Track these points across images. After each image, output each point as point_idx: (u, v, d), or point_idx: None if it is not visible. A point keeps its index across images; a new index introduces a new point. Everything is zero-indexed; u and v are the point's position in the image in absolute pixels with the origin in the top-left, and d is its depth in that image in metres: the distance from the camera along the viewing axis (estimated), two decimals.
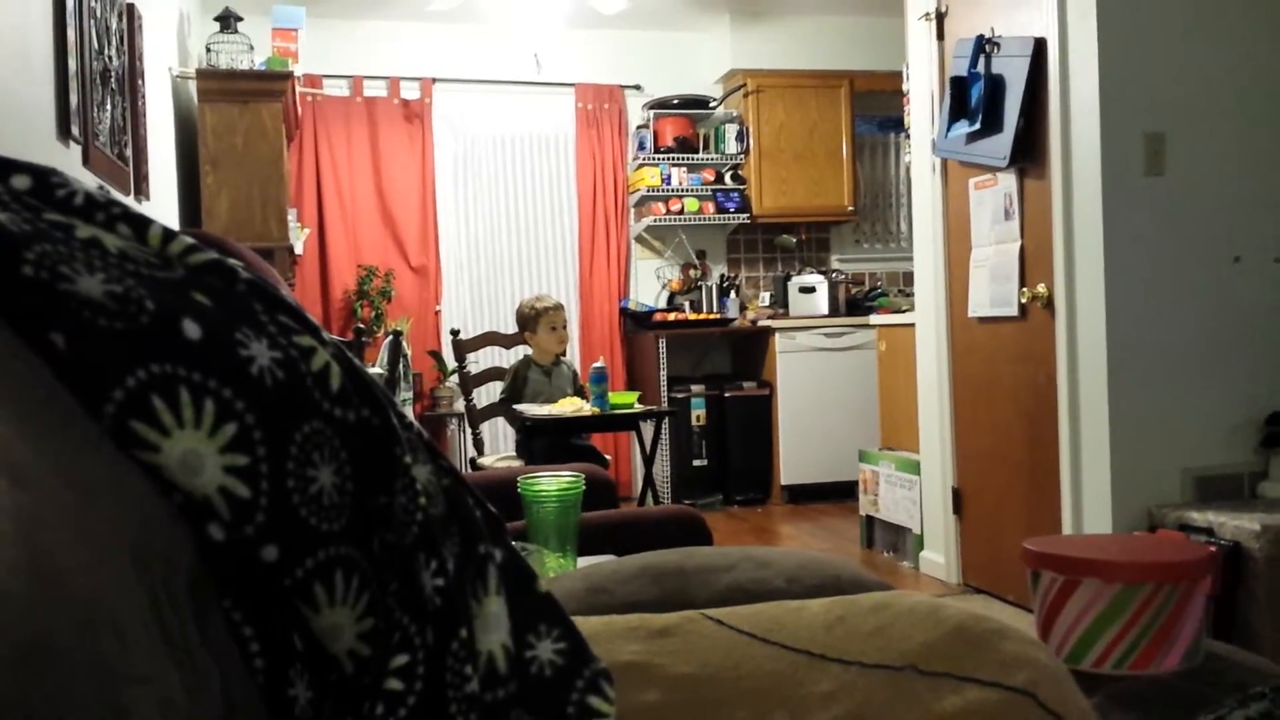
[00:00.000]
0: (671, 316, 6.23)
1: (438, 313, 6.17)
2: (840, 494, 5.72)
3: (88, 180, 0.65)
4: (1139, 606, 2.56)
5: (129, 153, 3.04)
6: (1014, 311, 3.69)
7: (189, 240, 0.65)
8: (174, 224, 3.50)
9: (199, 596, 0.56)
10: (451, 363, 5.31)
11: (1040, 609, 2.68)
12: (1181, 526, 3.11)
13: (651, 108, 6.40)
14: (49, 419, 0.51)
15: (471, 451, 4.68)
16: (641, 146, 6.39)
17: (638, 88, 6.50)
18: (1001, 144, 3.64)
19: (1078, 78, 3.36)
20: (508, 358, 4.87)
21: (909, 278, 5.54)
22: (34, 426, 0.49)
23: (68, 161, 2.33)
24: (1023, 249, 3.66)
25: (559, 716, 0.72)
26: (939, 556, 4.20)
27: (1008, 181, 3.71)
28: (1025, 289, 3.62)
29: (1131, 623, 2.57)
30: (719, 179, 6.41)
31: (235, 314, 0.62)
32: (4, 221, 0.55)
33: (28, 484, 0.45)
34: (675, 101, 6.39)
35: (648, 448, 4.40)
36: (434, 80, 6.18)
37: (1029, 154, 3.58)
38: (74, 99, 2.34)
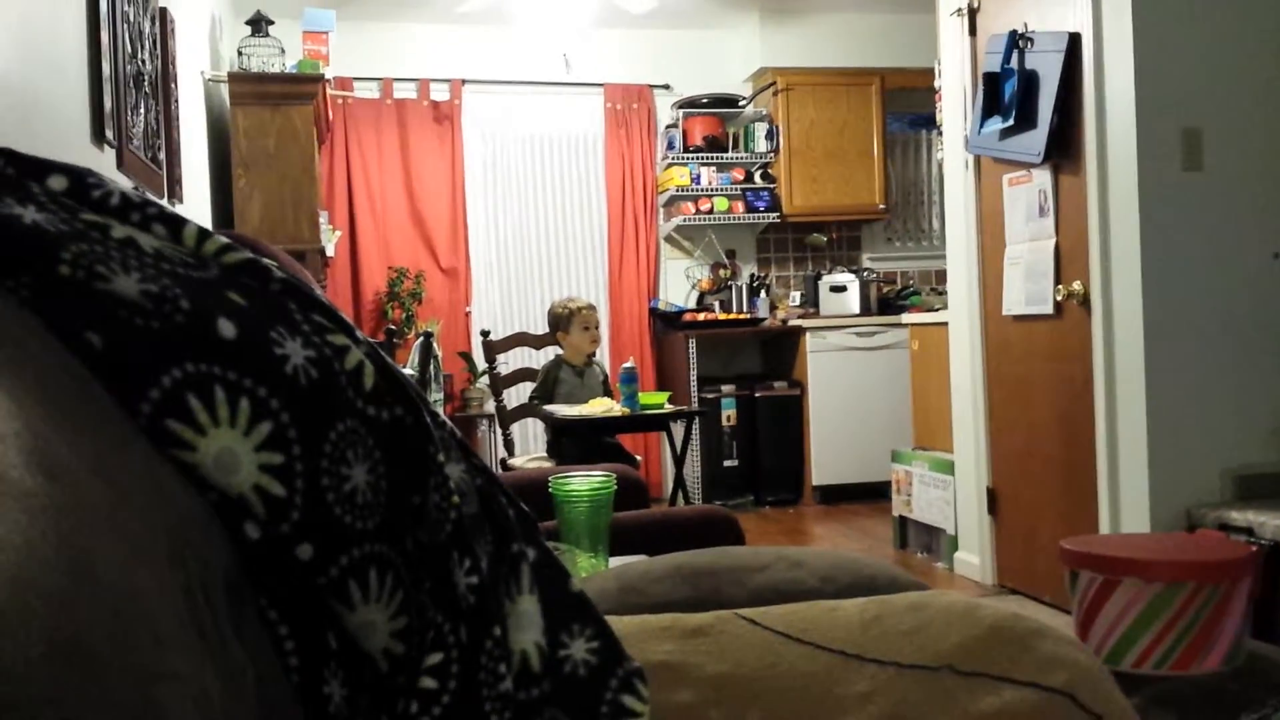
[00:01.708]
0: (701, 316, 6.22)
1: (468, 314, 6.19)
2: (873, 495, 5.68)
3: (122, 183, 0.66)
4: (1179, 606, 2.52)
5: (162, 156, 3.07)
6: (1049, 309, 3.65)
7: (224, 240, 0.65)
8: (207, 226, 3.52)
9: (234, 594, 0.56)
10: (482, 364, 5.32)
11: (1079, 609, 2.66)
12: (1221, 526, 3.07)
13: (680, 107, 6.39)
14: (85, 417, 0.52)
15: (502, 452, 4.69)
16: (670, 146, 6.39)
17: (666, 87, 6.49)
18: (1035, 140, 3.60)
19: (1113, 73, 3.32)
20: (538, 359, 4.87)
21: (941, 276, 5.50)
22: (70, 424, 0.49)
23: (102, 165, 2.35)
24: (1058, 246, 3.62)
25: (593, 716, 0.72)
26: (974, 557, 4.16)
27: (1042, 178, 3.68)
28: (1060, 286, 3.58)
29: (1172, 623, 2.54)
30: (749, 178, 6.40)
31: (270, 313, 0.63)
32: (41, 222, 0.55)
33: (64, 481, 0.45)
34: (704, 100, 6.38)
35: (678, 448, 4.40)
36: (463, 81, 6.21)
37: (1064, 150, 3.54)
38: (108, 102, 2.37)
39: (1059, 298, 3.59)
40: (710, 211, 6.30)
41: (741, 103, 6.45)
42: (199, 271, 0.62)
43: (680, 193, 6.28)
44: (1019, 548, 3.92)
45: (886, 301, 6.38)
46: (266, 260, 0.66)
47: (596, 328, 4.50)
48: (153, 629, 0.45)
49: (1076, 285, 3.50)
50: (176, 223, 0.64)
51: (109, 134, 2.38)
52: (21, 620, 0.37)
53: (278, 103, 4.20)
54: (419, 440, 0.66)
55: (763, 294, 6.45)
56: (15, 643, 0.37)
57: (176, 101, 3.34)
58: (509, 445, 4.65)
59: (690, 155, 6.33)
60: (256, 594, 0.58)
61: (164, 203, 2.98)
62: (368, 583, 0.61)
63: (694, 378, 5.98)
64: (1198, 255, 3.25)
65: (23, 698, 0.36)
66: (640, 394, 4.14)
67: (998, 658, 0.85)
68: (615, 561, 1.62)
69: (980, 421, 4.08)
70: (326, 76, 4.56)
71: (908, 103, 6.48)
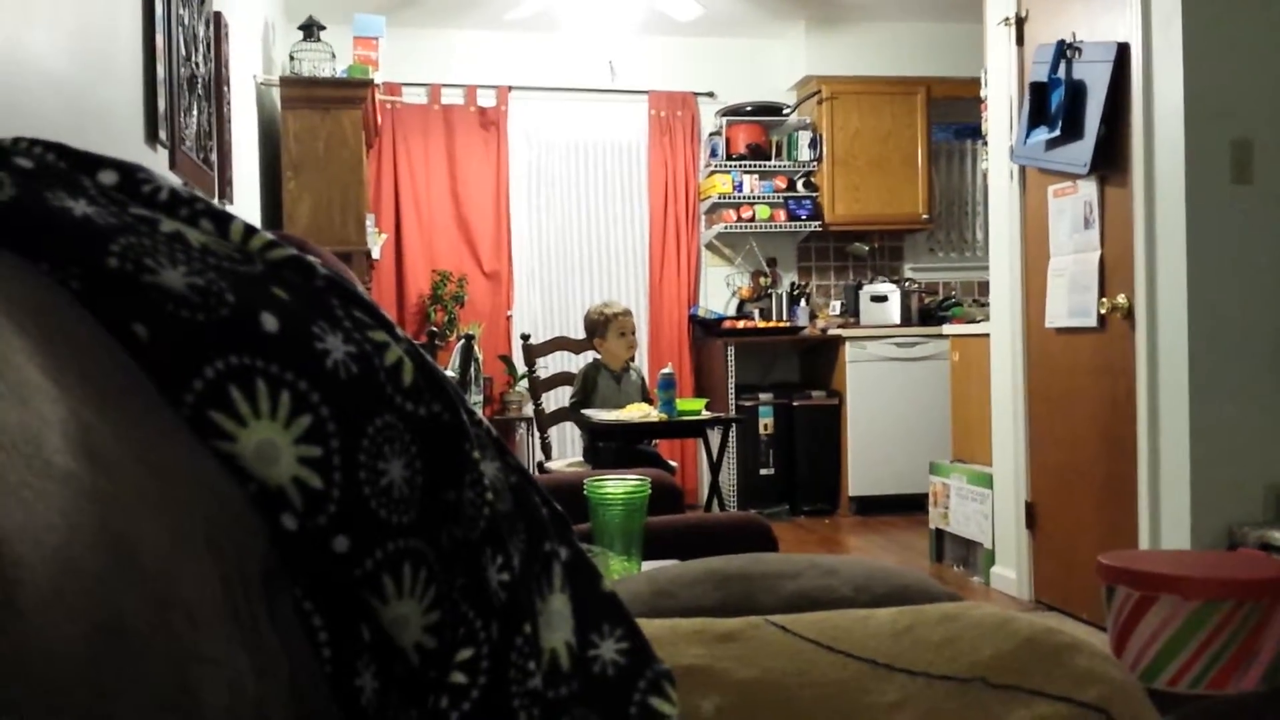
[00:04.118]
0: (740, 324, 6.20)
1: (509, 318, 6.23)
2: (910, 506, 5.63)
3: (171, 179, 0.67)
4: (1217, 624, 2.48)
5: (214, 157, 3.12)
6: (1093, 322, 3.60)
7: (269, 236, 0.66)
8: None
9: (271, 584, 0.57)
10: (521, 367, 5.35)
11: (1114, 624, 2.62)
12: (1263, 545, 3.01)
13: (724, 114, 6.38)
14: (130, 406, 0.53)
15: (540, 456, 4.71)
16: (713, 153, 6.38)
17: (711, 95, 6.49)
18: (1082, 151, 3.56)
19: (1162, 83, 3.28)
20: (577, 363, 4.88)
21: (984, 287, 5.45)
22: (115, 413, 0.50)
23: (155, 165, 2.39)
24: (1103, 258, 3.58)
25: (621, 716, 0.72)
26: (1010, 572, 4.12)
27: (1088, 189, 3.64)
28: (1105, 299, 3.54)
29: (1209, 641, 2.50)
30: (791, 186, 6.38)
31: (312, 308, 0.64)
32: (91, 215, 0.57)
33: (107, 468, 0.46)
34: (748, 108, 6.37)
35: (714, 455, 4.39)
36: (510, 88, 6.25)
37: (1110, 161, 3.50)
38: (161, 104, 2.41)
39: (1103, 311, 3.55)
40: (752, 219, 6.29)
41: (785, 111, 6.43)
42: (244, 266, 0.63)
43: (722, 200, 6.28)
44: (1057, 563, 3.87)
45: (927, 312, 6.33)
46: (310, 257, 0.68)
47: (633, 334, 4.50)
48: (190, 614, 0.46)
49: (1121, 298, 3.46)
50: (223, 218, 0.65)
51: (162, 135, 2.43)
52: (62, 601, 0.39)
53: (328, 107, 4.25)
54: (455, 437, 0.67)
55: (803, 303, 6.43)
56: (55, 623, 0.38)
57: (228, 104, 3.39)
58: (546, 449, 4.66)
59: (733, 163, 6.33)
60: (292, 585, 0.59)
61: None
62: (402, 577, 0.62)
63: (732, 385, 5.97)
64: (1245, 269, 3.20)
65: (62, 676, 0.37)
66: (678, 400, 4.13)
67: (1031, 671, 0.84)
68: (648, 565, 1.63)
69: (1020, 435, 4.04)
70: (376, 81, 4.60)
71: (953, 112, 6.43)
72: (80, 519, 0.42)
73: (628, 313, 4.49)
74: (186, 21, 2.74)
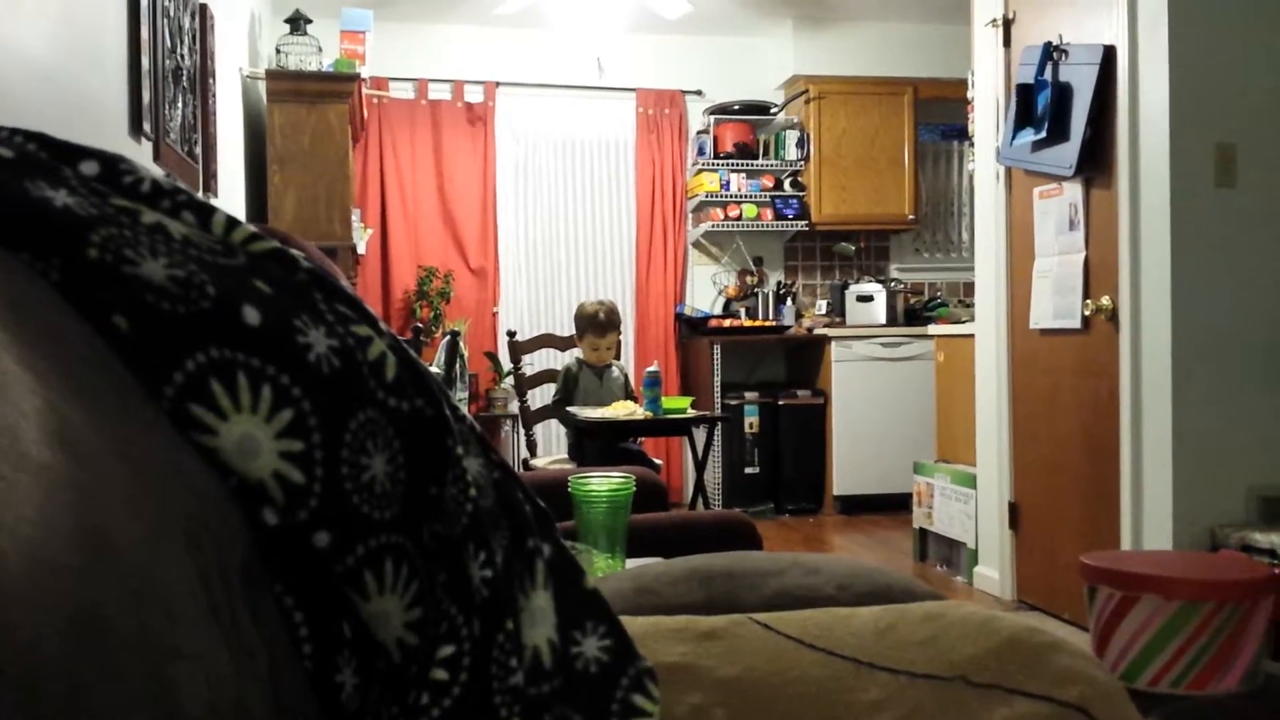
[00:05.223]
0: (727, 323, 6.21)
1: (495, 314, 6.22)
2: (894, 506, 5.65)
3: (154, 170, 0.66)
4: (1198, 625, 2.50)
5: (199, 150, 3.10)
6: (1077, 324, 3.62)
7: (251, 228, 0.66)
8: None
9: (251, 579, 0.56)
10: (507, 364, 5.34)
11: (1096, 624, 2.64)
12: (1244, 547, 3.03)
13: (712, 113, 6.39)
14: (109, 399, 0.52)
15: (524, 453, 4.71)
16: (701, 152, 6.39)
17: (699, 93, 6.49)
18: (1067, 153, 3.58)
19: (1147, 87, 3.30)
20: (563, 360, 4.88)
21: (969, 288, 5.47)
22: (94, 405, 0.50)
23: (139, 157, 2.38)
24: (1087, 260, 3.60)
25: (603, 713, 0.72)
26: (993, 572, 4.14)
27: (1073, 191, 3.65)
28: (1089, 301, 3.56)
29: (1190, 641, 2.52)
30: (778, 185, 6.39)
31: (294, 302, 0.63)
32: (71, 205, 0.56)
33: (85, 460, 0.45)
34: (736, 107, 6.38)
35: (699, 454, 4.39)
36: (497, 84, 6.23)
37: (1096, 163, 3.52)
38: (146, 96, 2.40)
39: (1087, 312, 3.57)
40: (739, 218, 6.30)
41: (773, 110, 6.44)
42: (226, 259, 0.62)
43: (709, 199, 6.28)
44: (1039, 563, 3.89)
45: (913, 312, 6.35)
46: (294, 250, 0.67)
47: (609, 350, 4.45)
48: (168, 609, 0.46)
49: (1105, 300, 3.47)
50: (205, 210, 0.64)
51: (146, 127, 2.41)
52: (38, 595, 0.38)
53: (314, 101, 4.24)
54: (438, 433, 0.66)
55: (789, 302, 6.44)
56: (31, 617, 0.37)
57: (214, 97, 3.37)
58: (532, 446, 4.66)
59: (720, 161, 6.33)
60: (273, 580, 0.59)
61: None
62: (383, 573, 0.62)
63: (718, 384, 5.97)
64: (1229, 272, 3.22)
65: (36, 671, 0.37)
66: (663, 398, 4.13)
67: (1012, 670, 0.84)
68: (632, 563, 1.63)
69: (1004, 435, 4.05)
70: (363, 76, 4.58)
71: (940, 113, 6.45)
72: (56, 511, 0.41)
73: (604, 331, 4.36)
74: (172, 13, 2.73)
